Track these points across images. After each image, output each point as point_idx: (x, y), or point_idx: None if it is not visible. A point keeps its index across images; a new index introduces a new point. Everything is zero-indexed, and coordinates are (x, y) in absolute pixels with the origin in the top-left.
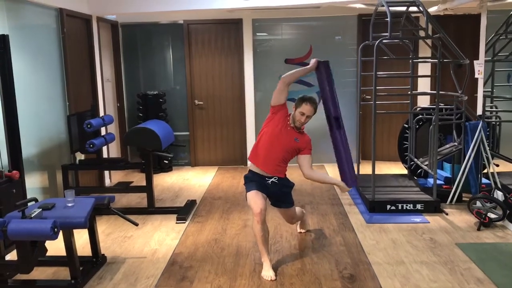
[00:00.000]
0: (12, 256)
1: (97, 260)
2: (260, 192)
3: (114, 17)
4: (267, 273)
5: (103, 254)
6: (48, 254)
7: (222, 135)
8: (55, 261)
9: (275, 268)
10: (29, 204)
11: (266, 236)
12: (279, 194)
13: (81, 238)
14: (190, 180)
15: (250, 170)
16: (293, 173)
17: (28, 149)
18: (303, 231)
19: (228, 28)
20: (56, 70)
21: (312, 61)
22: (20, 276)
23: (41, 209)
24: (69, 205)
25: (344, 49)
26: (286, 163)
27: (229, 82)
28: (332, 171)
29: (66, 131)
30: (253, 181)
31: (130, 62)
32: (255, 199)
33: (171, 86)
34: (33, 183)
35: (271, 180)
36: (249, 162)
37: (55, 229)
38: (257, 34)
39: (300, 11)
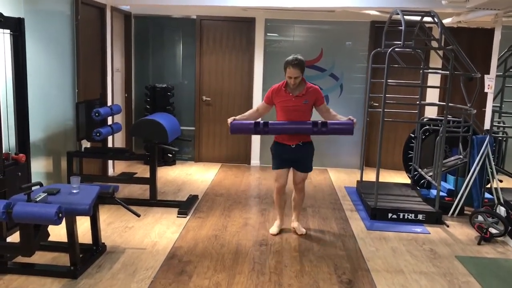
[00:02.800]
0: (13, 238)
1: (97, 249)
2: (282, 170)
3: (128, 7)
4: (273, 228)
5: (103, 243)
6: (49, 239)
7: (227, 132)
8: (56, 246)
9: (274, 268)
10: (33, 188)
11: (282, 204)
12: (300, 156)
13: (82, 225)
14: (193, 175)
15: (275, 141)
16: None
17: (35, 133)
18: (302, 232)
19: (240, 26)
20: (68, 57)
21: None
22: (20, 259)
23: (46, 194)
24: (74, 191)
25: (355, 55)
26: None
27: (238, 80)
28: (334, 174)
29: (73, 118)
30: (277, 155)
31: (140, 53)
32: (277, 177)
33: (180, 80)
34: (38, 167)
35: (294, 145)
36: (253, 162)
37: (60, 215)
38: (268, 34)
39: (313, 14)
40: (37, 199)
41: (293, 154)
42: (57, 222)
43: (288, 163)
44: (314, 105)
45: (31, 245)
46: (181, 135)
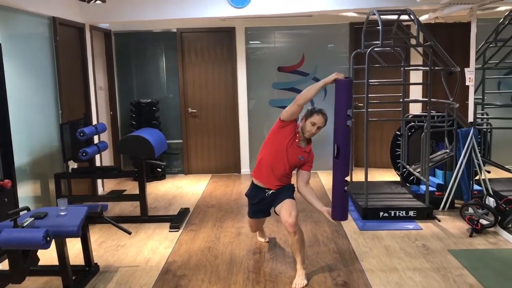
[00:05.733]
0: (3, 265)
1: (90, 269)
2: (256, 219)
3: (107, 25)
4: (259, 238)
5: (96, 263)
6: (40, 263)
7: (215, 143)
8: (48, 270)
9: (269, 276)
10: (21, 213)
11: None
12: (276, 194)
13: (73, 247)
14: (184, 188)
15: (252, 183)
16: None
17: (20, 158)
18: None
19: (221, 36)
20: (49, 78)
21: (332, 75)
22: (12, 286)
23: (33, 218)
24: (62, 213)
25: (337, 57)
26: (289, 177)
27: (222, 90)
28: (325, 178)
29: (58, 140)
30: (252, 203)
31: (123, 70)
32: (251, 224)
33: (164, 94)
34: (26, 192)
35: (271, 191)
36: (243, 171)
37: (48, 238)
38: (250, 42)
39: (293, 20)
40: (24, 224)
41: (270, 199)
42: (45, 246)
43: (265, 212)
44: (300, 167)
45: (21, 271)
46: (168, 149)
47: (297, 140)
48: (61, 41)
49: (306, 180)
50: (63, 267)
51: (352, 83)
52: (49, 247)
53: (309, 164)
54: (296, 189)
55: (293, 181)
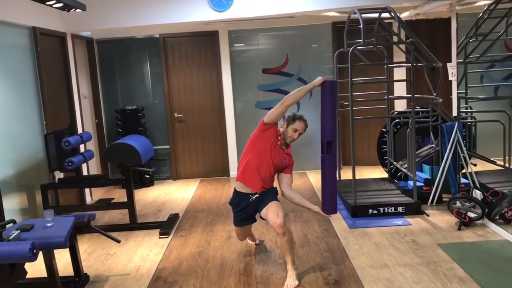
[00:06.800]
0: None
1: (79, 280)
2: (242, 227)
3: (89, 33)
4: (248, 241)
5: (86, 273)
6: (29, 276)
7: (203, 147)
8: (36, 283)
9: (260, 278)
10: (7, 226)
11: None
12: (261, 199)
13: (63, 258)
14: (172, 194)
15: (234, 190)
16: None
17: (4, 170)
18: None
19: (204, 40)
20: (32, 89)
21: (318, 78)
22: None
23: (19, 231)
24: (48, 225)
25: (320, 57)
26: (273, 180)
27: (208, 93)
28: (314, 177)
29: (44, 150)
30: (237, 210)
31: (107, 78)
32: (238, 233)
33: (150, 100)
34: (12, 204)
35: (255, 196)
36: (232, 174)
37: (34, 251)
38: (234, 45)
39: (275, 21)
40: (10, 238)
41: (255, 204)
42: (32, 258)
43: (251, 219)
44: (282, 171)
45: (8, 285)
46: (156, 155)
47: (279, 143)
48: (42, 51)
49: (289, 183)
50: (51, 279)
51: (337, 84)
52: (36, 259)
53: (290, 167)
54: (280, 193)
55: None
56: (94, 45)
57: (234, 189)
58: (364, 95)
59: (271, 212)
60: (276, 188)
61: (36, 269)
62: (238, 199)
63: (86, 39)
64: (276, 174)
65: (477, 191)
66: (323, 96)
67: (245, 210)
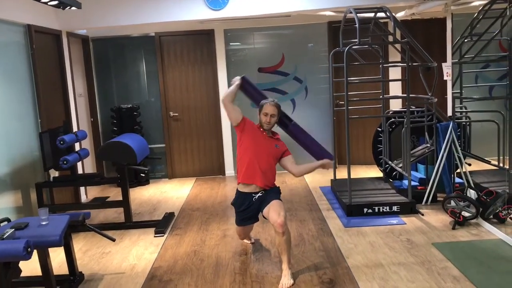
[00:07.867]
0: None
1: (74, 278)
2: (244, 226)
3: (84, 31)
4: (244, 241)
5: (81, 272)
6: (23, 274)
7: (198, 145)
8: (31, 281)
9: (255, 277)
10: (1, 224)
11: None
12: (264, 198)
13: (57, 256)
14: (168, 193)
15: (237, 191)
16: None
17: None
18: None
19: (200, 39)
20: (26, 87)
21: (236, 78)
22: None
23: (13, 229)
24: (43, 223)
25: (316, 56)
26: (274, 170)
27: (203, 92)
28: (309, 176)
29: (38, 149)
30: (239, 210)
31: (102, 76)
32: (240, 232)
33: (146, 98)
34: (6, 202)
35: (257, 195)
36: (227, 173)
37: (28, 249)
38: (230, 44)
39: (271, 20)
40: (4, 236)
41: (257, 204)
42: (26, 257)
43: (253, 218)
44: (282, 157)
45: (3, 284)
46: (151, 153)
47: (264, 133)
48: (37, 49)
49: (294, 162)
50: (46, 278)
51: (246, 77)
52: (30, 258)
53: (287, 150)
54: (294, 175)
55: (278, 183)
56: (90, 43)
57: (237, 190)
58: (360, 95)
59: (273, 210)
60: (279, 187)
61: (30, 267)
62: (241, 199)
63: (81, 37)
64: (278, 163)
65: (471, 190)
66: (247, 87)
67: (248, 209)
